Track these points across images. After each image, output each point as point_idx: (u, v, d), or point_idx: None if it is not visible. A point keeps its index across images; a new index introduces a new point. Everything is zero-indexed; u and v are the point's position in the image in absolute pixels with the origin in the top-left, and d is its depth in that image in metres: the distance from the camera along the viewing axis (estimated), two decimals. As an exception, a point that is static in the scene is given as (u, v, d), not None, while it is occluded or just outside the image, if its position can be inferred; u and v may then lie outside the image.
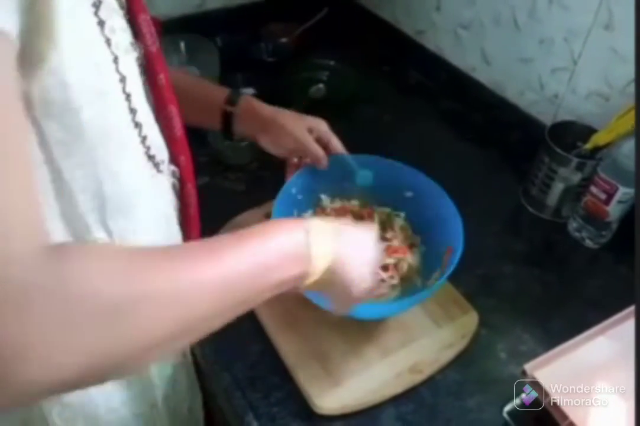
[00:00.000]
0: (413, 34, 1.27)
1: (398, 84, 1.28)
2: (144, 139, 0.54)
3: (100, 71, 0.46)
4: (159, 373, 0.68)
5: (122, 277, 0.38)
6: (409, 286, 0.80)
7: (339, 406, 0.70)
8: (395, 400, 0.72)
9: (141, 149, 0.54)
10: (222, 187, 1.01)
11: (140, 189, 0.55)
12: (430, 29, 1.22)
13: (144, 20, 0.54)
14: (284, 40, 1.28)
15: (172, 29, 1.18)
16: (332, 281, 0.55)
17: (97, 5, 0.45)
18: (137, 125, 0.52)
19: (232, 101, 0.79)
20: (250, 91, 1.16)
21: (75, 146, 0.46)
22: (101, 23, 0.45)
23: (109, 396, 0.64)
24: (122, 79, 0.48)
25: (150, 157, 0.56)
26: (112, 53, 0.47)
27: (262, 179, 1.02)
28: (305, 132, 0.79)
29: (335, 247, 0.54)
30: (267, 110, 0.80)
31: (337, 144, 0.82)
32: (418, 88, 1.27)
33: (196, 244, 0.49)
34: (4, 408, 0.48)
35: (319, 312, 0.76)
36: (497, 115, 1.12)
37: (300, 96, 1.19)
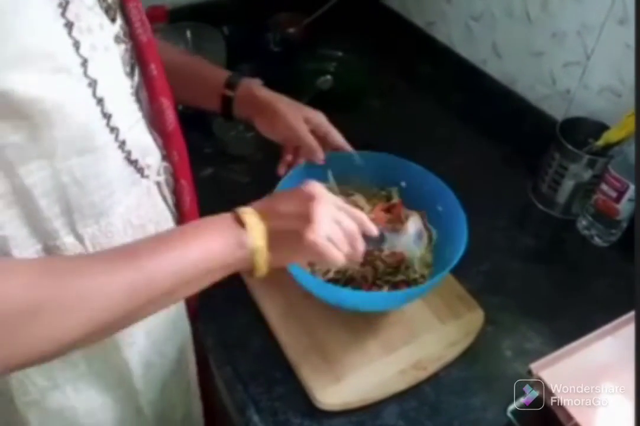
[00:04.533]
0: (423, 25, 1.25)
1: (407, 76, 1.26)
2: (122, 143, 0.51)
3: (61, 77, 0.43)
4: (143, 378, 0.67)
5: (25, 289, 0.40)
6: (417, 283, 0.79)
7: (341, 401, 0.70)
8: (398, 397, 0.72)
9: (120, 155, 0.52)
10: (227, 178, 1.00)
11: (117, 195, 0.53)
12: (441, 21, 1.20)
13: (134, 7, 0.52)
14: (291, 30, 1.26)
15: (178, 17, 1.17)
16: (282, 244, 0.53)
17: (64, 6, 0.42)
18: (113, 130, 0.49)
19: (232, 84, 0.77)
20: (256, 81, 1.14)
21: (31, 150, 0.44)
22: (69, 25, 0.43)
23: (88, 401, 0.63)
24: (92, 83, 0.45)
25: (132, 162, 0.54)
26: (81, 56, 0.44)
27: (267, 171, 1.00)
28: (300, 121, 0.77)
29: (266, 219, 0.53)
30: (265, 94, 0.78)
31: (336, 137, 0.80)
32: (428, 80, 1.25)
33: (113, 250, 0.48)
34: None
35: (323, 306, 0.76)
36: (507, 109, 1.10)
37: (307, 87, 1.17)
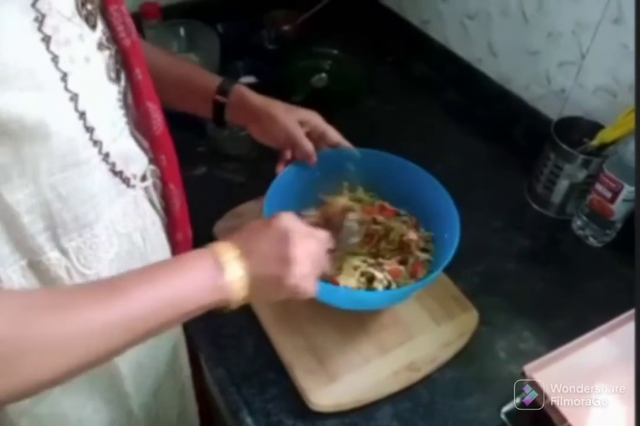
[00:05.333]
0: (419, 24, 1.25)
1: (402, 75, 1.26)
2: (106, 156, 0.50)
3: (41, 93, 0.42)
4: (133, 381, 0.66)
5: (10, 328, 0.38)
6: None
7: (335, 403, 0.69)
8: (392, 398, 0.71)
9: (104, 167, 0.51)
10: (221, 178, 1.00)
11: (102, 207, 0.52)
12: (437, 19, 1.20)
13: (116, 11, 0.50)
14: (286, 27, 1.25)
15: (172, 14, 1.17)
16: (261, 288, 0.52)
17: (40, 20, 0.40)
18: (97, 143, 0.48)
19: (224, 90, 0.75)
20: (251, 79, 1.13)
21: (13, 169, 0.43)
22: (46, 39, 0.41)
23: (80, 405, 0.62)
24: (73, 97, 0.44)
25: (117, 174, 0.53)
26: (60, 71, 0.43)
27: (261, 170, 1.00)
28: (296, 125, 0.75)
29: (247, 263, 0.51)
30: (258, 100, 0.76)
31: (333, 135, 0.78)
32: (423, 79, 1.24)
33: (93, 287, 0.46)
34: None
35: (317, 307, 0.76)
36: (502, 108, 1.10)
37: (302, 85, 1.17)
